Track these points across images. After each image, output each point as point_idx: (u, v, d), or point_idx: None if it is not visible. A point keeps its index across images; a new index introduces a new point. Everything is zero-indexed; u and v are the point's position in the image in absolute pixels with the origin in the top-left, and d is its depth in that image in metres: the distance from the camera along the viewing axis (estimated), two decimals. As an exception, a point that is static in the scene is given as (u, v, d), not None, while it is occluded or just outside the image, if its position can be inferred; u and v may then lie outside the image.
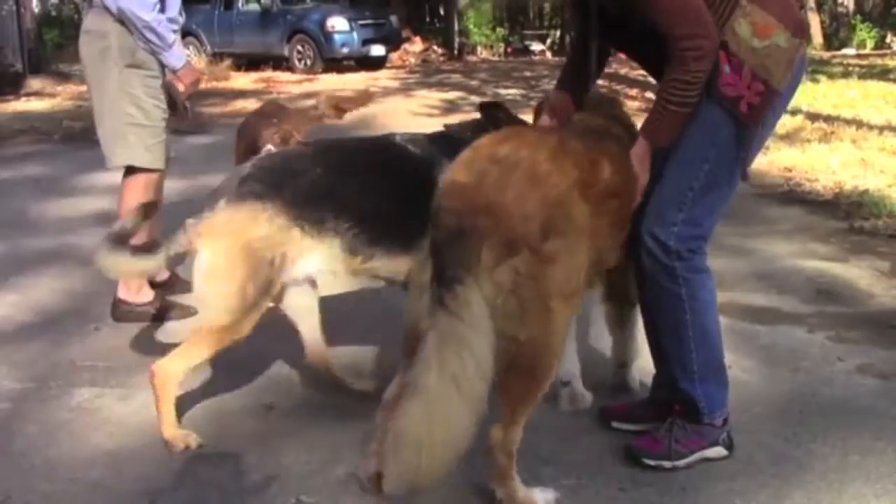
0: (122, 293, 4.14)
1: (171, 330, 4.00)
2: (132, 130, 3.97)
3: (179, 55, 4.03)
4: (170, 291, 4.36)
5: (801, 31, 2.63)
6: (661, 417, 2.85)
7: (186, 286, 4.46)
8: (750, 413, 3.11)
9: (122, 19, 3.84)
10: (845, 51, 22.59)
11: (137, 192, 4.03)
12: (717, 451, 2.79)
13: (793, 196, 6.56)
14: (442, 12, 32.61)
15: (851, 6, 30.31)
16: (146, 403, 3.25)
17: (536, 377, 2.38)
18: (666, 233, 2.66)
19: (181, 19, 4.14)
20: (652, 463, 2.76)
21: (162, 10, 3.89)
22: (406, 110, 12.04)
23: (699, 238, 2.71)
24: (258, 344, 3.79)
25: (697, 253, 2.71)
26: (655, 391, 2.99)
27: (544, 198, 2.29)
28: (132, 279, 4.04)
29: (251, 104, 12.87)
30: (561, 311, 2.34)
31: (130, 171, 4.06)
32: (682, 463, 2.76)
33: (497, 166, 2.31)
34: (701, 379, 2.75)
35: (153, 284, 4.25)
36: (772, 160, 7.79)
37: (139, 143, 3.99)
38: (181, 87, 4.10)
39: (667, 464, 2.76)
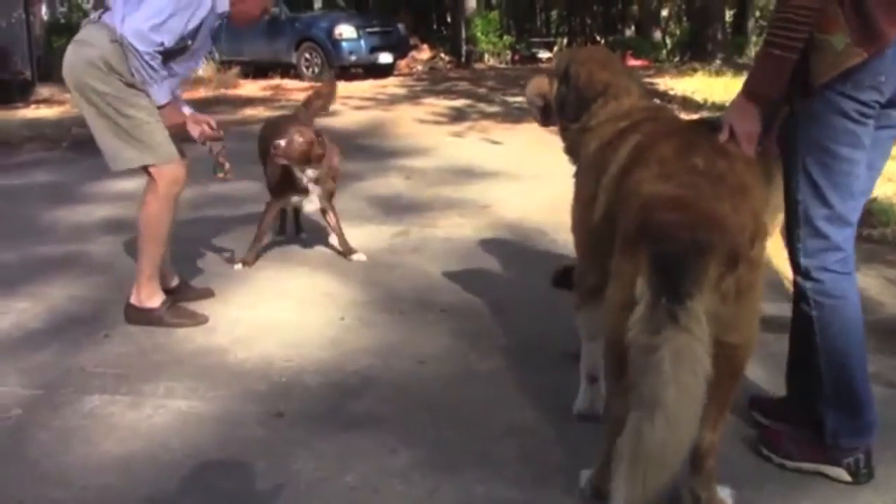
0: (133, 297, 4.16)
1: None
2: (140, 131, 3.94)
3: (164, 93, 3.94)
4: (181, 297, 4.37)
5: (869, 44, 2.52)
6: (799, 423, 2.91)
7: (196, 293, 4.52)
8: (759, 421, 3.12)
9: (121, 43, 3.81)
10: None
11: (163, 203, 4.05)
12: (837, 472, 2.75)
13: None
14: (449, 20, 32.71)
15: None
16: (156, 410, 3.29)
17: (739, 377, 2.47)
18: (795, 250, 2.76)
19: (194, 66, 4.18)
20: (764, 452, 2.87)
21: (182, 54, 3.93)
22: (413, 118, 12.07)
23: (829, 251, 2.69)
24: (267, 349, 3.85)
25: (830, 271, 2.69)
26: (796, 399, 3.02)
27: (753, 208, 2.37)
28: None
29: (259, 112, 12.96)
30: (760, 310, 2.42)
31: (151, 181, 4.06)
32: (790, 465, 2.81)
33: (704, 179, 2.35)
34: (830, 405, 2.75)
35: (166, 291, 4.27)
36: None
37: (150, 141, 3.97)
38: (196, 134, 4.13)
39: (775, 459, 2.84)
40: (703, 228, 2.23)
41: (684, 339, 2.13)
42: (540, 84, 3.29)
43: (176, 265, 4.55)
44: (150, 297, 4.14)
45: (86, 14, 27.80)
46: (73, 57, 3.96)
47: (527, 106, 3.50)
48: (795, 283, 2.81)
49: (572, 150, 3.14)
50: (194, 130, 4.14)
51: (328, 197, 5.10)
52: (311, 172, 4.90)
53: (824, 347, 2.72)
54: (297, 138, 4.77)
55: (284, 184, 5.01)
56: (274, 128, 5.30)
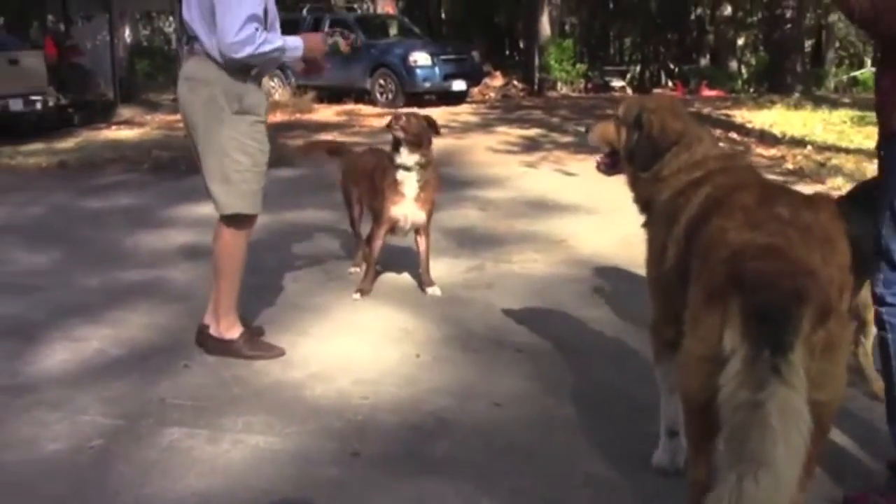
0: (211, 327, 4.21)
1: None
2: (243, 178, 4.00)
3: (295, 46, 4.01)
4: (258, 333, 4.41)
5: None
6: None
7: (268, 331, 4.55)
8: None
9: (232, 66, 3.87)
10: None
11: (240, 238, 4.12)
12: None
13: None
14: (521, 46, 32.79)
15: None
16: (234, 445, 3.31)
17: (826, 435, 2.42)
18: (875, 281, 2.87)
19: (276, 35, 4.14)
20: None
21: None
22: (486, 147, 12.07)
23: None
24: (343, 385, 3.85)
25: None
26: None
27: (840, 261, 2.35)
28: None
29: (334, 138, 13.05)
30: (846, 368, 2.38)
31: (231, 218, 4.08)
32: None
33: (792, 229, 2.32)
34: None
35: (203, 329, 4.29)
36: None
37: (247, 191, 4.04)
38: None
39: None
40: (801, 278, 2.17)
41: (790, 394, 2.07)
42: (605, 130, 3.26)
43: (249, 296, 4.60)
44: (230, 329, 4.19)
45: (168, 38, 28.59)
46: (191, 96, 3.99)
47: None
48: (876, 313, 2.90)
49: (642, 200, 3.11)
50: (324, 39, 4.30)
51: (427, 216, 5.21)
52: (414, 158, 5.03)
53: None
54: (415, 118, 5.10)
55: (388, 203, 5.11)
56: (359, 159, 5.58)
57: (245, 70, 3.98)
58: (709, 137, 3.10)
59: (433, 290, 5.21)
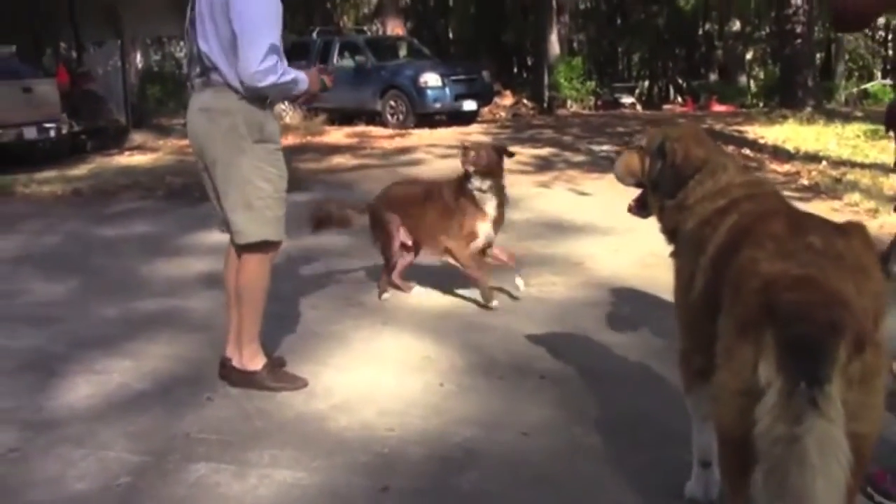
0: (234, 358, 4.18)
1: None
2: (266, 204, 4.01)
3: (303, 80, 4.03)
4: (279, 363, 4.39)
5: None
6: None
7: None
8: None
9: (252, 96, 3.89)
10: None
11: (265, 265, 4.11)
12: None
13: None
14: (530, 63, 32.89)
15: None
16: (262, 481, 3.28)
17: (864, 469, 2.35)
18: None
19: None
20: (868, 489, 2.86)
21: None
22: (499, 167, 12.06)
23: None
24: (367, 417, 3.83)
25: None
26: None
27: (874, 290, 2.31)
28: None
29: (346, 160, 13.13)
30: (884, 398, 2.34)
31: (256, 246, 4.07)
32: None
33: (824, 258, 2.29)
34: None
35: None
36: (882, 224, 7.57)
37: (272, 218, 4.04)
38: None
39: (877, 497, 2.85)
40: (837, 309, 2.13)
41: (828, 427, 2.03)
42: (630, 161, 3.25)
43: (268, 324, 4.58)
44: (252, 360, 4.17)
45: (179, 63, 28.76)
46: (211, 127, 3.97)
47: (613, 156, 3.48)
48: None
49: (669, 230, 3.08)
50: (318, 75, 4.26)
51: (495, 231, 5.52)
52: (486, 183, 5.30)
53: None
54: (484, 150, 5.35)
55: (472, 221, 5.38)
56: (403, 190, 5.81)
57: (263, 99, 4.01)
58: (733, 164, 3.07)
59: (495, 304, 5.45)
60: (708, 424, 2.89)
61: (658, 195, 3.10)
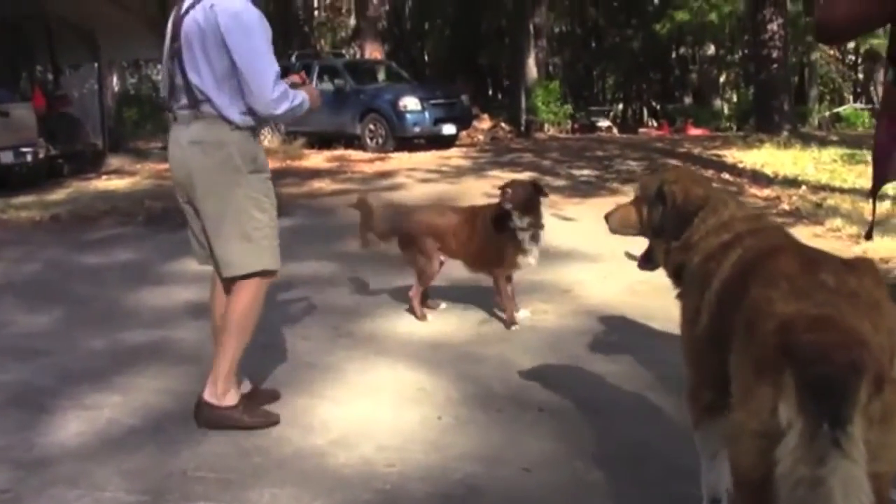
0: (208, 394, 4.06)
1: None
2: (263, 234, 3.97)
3: (307, 100, 3.98)
4: (255, 401, 4.27)
5: None
6: None
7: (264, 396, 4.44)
8: None
9: (244, 127, 3.88)
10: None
11: (260, 296, 4.06)
12: None
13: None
14: (506, 84, 33.03)
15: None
16: (263, 521, 3.22)
17: None
18: None
19: None
20: None
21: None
22: (480, 192, 12.02)
23: None
24: (366, 452, 3.75)
25: None
26: None
27: (889, 326, 2.28)
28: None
29: (327, 185, 13.08)
30: None
31: (251, 277, 4.02)
32: None
33: (839, 297, 2.27)
34: None
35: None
36: (865, 249, 7.61)
37: (269, 247, 4.01)
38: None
39: None
40: (857, 348, 2.12)
41: (852, 469, 2.01)
42: (626, 215, 3.28)
43: (258, 356, 4.52)
44: (227, 394, 4.05)
45: (156, 86, 28.58)
46: (204, 160, 3.90)
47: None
48: None
49: (675, 271, 3.07)
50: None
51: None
52: (525, 220, 5.43)
53: None
54: (521, 187, 5.52)
55: (514, 252, 5.54)
56: (439, 217, 5.94)
57: (255, 129, 3.99)
58: (733, 200, 3.11)
59: (523, 314, 5.77)
60: (717, 462, 2.88)
61: (663, 239, 3.10)
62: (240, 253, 3.96)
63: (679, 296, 3.03)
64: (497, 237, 5.57)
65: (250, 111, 3.88)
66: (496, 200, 5.58)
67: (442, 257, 5.86)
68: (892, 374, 2.22)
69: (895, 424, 2.21)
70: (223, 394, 4.04)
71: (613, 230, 3.34)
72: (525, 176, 13.44)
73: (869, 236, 3.08)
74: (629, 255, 3.44)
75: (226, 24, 3.78)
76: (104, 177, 14.86)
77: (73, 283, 7.22)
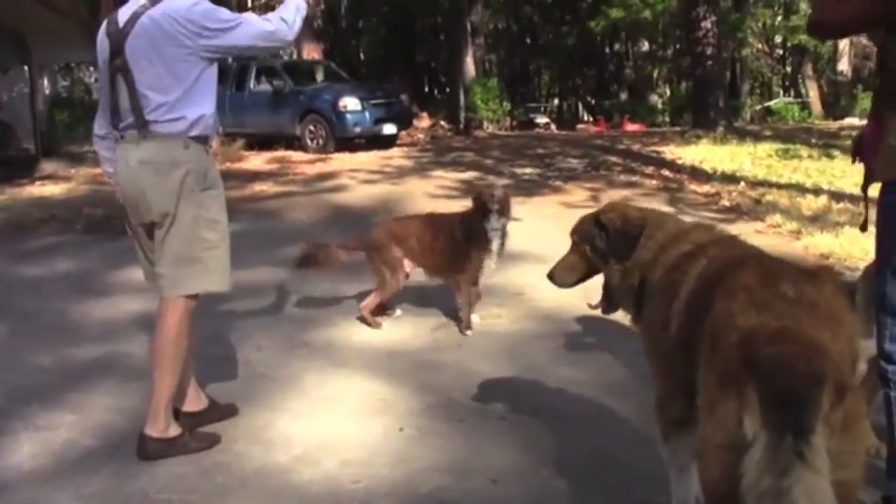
0: (151, 429, 3.89)
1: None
2: (212, 255, 3.87)
3: (297, 6, 3.90)
4: (202, 420, 4.18)
5: None
6: None
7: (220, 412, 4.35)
8: None
9: (196, 143, 3.80)
10: (849, 120, 22.81)
11: (188, 320, 3.91)
12: None
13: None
14: (443, 81, 33.04)
15: (850, 74, 30.74)
16: (231, 544, 3.17)
17: None
18: (881, 336, 2.92)
19: None
20: None
21: None
22: (424, 192, 12.03)
23: None
24: (331, 468, 3.70)
25: None
26: None
27: (848, 335, 2.34)
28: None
29: (269, 187, 12.95)
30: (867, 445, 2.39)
31: (184, 299, 3.89)
32: None
33: (798, 308, 2.30)
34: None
35: (177, 414, 4.06)
36: (806, 245, 7.78)
37: (217, 267, 3.91)
38: None
39: None
40: (816, 359, 2.15)
41: (815, 479, 2.05)
42: (569, 263, 3.37)
43: (213, 368, 4.44)
44: (170, 425, 3.92)
45: (88, 89, 27.89)
46: (157, 181, 3.76)
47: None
48: (880, 368, 2.96)
49: (638, 293, 3.08)
50: None
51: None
52: (503, 222, 5.69)
53: None
54: (504, 192, 5.82)
55: (481, 256, 5.72)
56: (407, 226, 5.99)
57: (206, 141, 3.90)
58: (670, 216, 3.26)
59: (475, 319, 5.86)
60: (686, 475, 2.91)
61: (614, 263, 3.15)
62: (186, 274, 3.84)
63: (636, 322, 3.09)
64: (465, 241, 5.71)
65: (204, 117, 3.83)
66: (464, 208, 5.86)
67: (409, 268, 5.88)
68: (853, 383, 2.27)
69: (858, 432, 2.27)
70: (167, 426, 3.90)
71: (562, 284, 3.42)
72: (467, 175, 13.49)
73: (864, 228, 3.20)
74: (591, 306, 3.49)
75: (192, 21, 3.70)
76: (38, 182, 14.48)
77: (14, 296, 7.01)
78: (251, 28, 3.79)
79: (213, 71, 3.90)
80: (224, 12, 3.81)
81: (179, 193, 3.77)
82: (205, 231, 3.86)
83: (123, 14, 3.82)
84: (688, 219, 3.39)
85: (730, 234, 3.14)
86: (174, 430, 3.92)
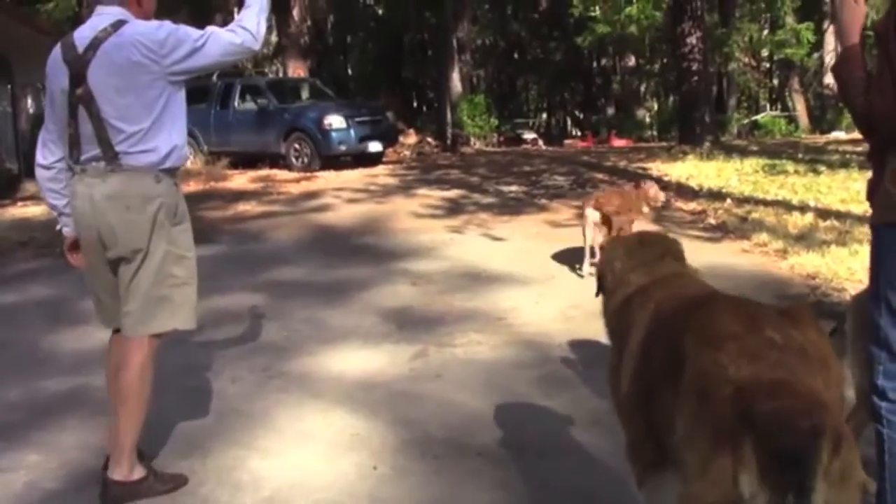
0: (114, 473, 3.71)
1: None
2: (179, 292, 3.73)
3: (260, 4, 3.74)
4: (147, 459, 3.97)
5: None
6: None
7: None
8: None
9: (167, 176, 3.66)
10: (836, 134, 22.83)
11: (153, 355, 3.75)
12: None
13: (822, 309, 6.39)
14: (430, 96, 32.99)
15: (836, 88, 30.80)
16: None
17: None
18: (875, 371, 2.84)
19: None
20: None
21: None
22: (408, 211, 11.98)
23: None
24: None
25: None
26: None
27: (837, 380, 2.29)
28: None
29: (253, 207, 12.83)
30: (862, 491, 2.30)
31: (150, 337, 3.75)
32: None
33: (788, 355, 2.21)
34: None
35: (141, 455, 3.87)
36: (792, 265, 7.70)
37: (185, 304, 3.76)
38: None
39: None
40: (817, 413, 2.07)
41: None
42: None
43: (185, 402, 4.30)
44: (135, 468, 3.75)
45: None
46: (127, 216, 3.59)
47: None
48: (872, 403, 2.88)
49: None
50: None
51: None
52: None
53: (891, 465, 2.75)
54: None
55: None
56: None
57: (175, 174, 3.77)
58: (622, 246, 3.21)
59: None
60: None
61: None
62: (153, 314, 3.69)
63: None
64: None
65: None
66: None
67: None
68: (846, 431, 2.17)
69: (853, 481, 2.19)
70: (131, 468, 3.73)
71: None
72: (452, 194, 13.44)
73: None
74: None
75: (160, 45, 3.55)
76: (20, 203, 14.33)
77: (-14, 325, 6.88)
78: (218, 44, 3.63)
79: (182, 96, 3.74)
80: (191, 32, 3.63)
81: (152, 229, 3.62)
82: (174, 267, 3.72)
83: (81, 39, 3.61)
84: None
85: (673, 270, 3.05)
86: (138, 473, 3.76)
